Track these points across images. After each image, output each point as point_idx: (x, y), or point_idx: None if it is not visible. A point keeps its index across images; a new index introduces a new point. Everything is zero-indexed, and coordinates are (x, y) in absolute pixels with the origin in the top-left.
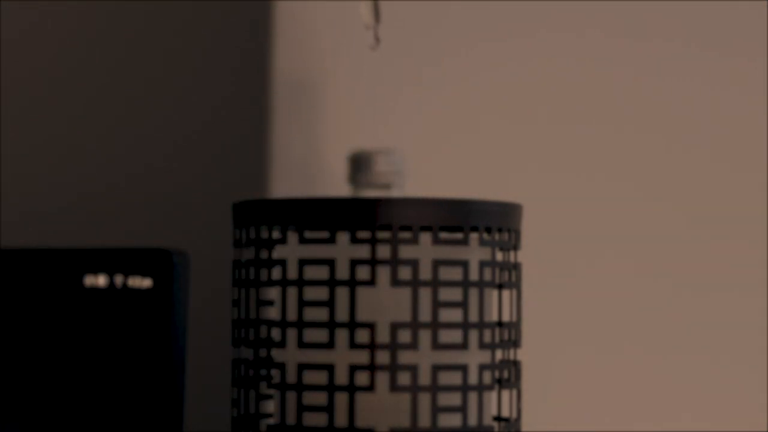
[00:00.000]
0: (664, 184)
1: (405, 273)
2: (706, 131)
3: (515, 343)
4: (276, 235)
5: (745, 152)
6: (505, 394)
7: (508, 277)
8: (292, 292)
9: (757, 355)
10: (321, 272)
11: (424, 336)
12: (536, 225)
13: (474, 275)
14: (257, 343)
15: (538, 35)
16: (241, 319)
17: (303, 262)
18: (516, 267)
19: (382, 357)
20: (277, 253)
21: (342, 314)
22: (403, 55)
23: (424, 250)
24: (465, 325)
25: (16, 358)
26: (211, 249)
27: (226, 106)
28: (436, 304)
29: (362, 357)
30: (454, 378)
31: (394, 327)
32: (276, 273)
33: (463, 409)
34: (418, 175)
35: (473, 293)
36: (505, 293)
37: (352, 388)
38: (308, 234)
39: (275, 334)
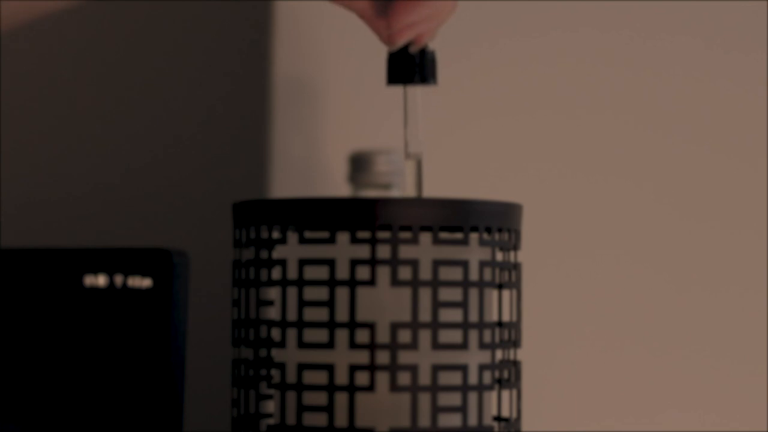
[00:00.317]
0: (665, 184)
1: (405, 273)
2: (706, 131)
3: (515, 343)
4: (276, 235)
5: (745, 152)
6: (505, 394)
7: (508, 277)
8: (292, 292)
9: (758, 355)
10: (321, 272)
11: (424, 336)
12: (536, 225)
13: (474, 275)
14: (257, 343)
15: (537, 35)
16: (241, 319)
17: (303, 262)
18: (516, 267)
19: (382, 357)
20: (277, 253)
21: (342, 314)
22: None
23: (424, 250)
24: (465, 325)
25: (16, 358)
26: (211, 249)
27: (226, 106)
28: (436, 304)
29: (362, 357)
30: (454, 378)
31: (394, 327)
32: (276, 273)
33: (463, 409)
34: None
35: (473, 293)
36: (505, 293)
37: (352, 388)
38: (308, 234)
39: (275, 334)
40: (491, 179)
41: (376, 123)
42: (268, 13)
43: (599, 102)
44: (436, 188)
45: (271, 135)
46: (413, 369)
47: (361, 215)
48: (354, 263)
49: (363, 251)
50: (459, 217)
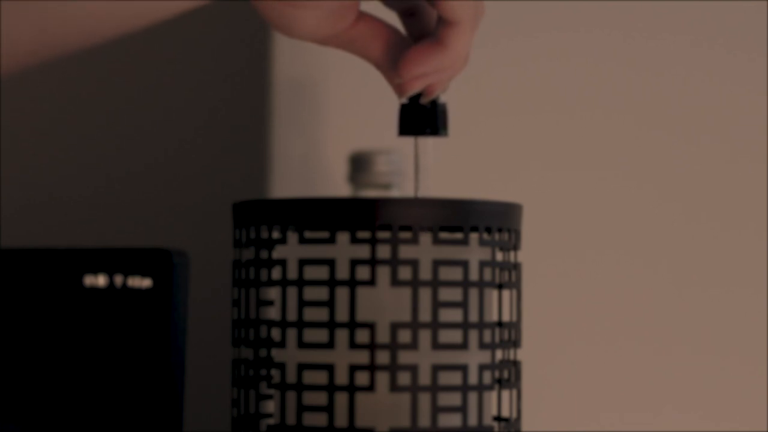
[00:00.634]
0: (665, 184)
1: (405, 273)
2: (705, 131)
3: (515, 343)
4: (276, 235)
5: (746, 152)
6: (505, 394)
7: (508, 277)
8: (292, 292)
9: (758, 355)
10: (321, 272)
11: (424, 336)
12: (536, 225)
13: (474, 275)
14: (257, 343)
15: (537, 35)
16: (241, 319)
17: (303, 262)
18: (516, 267)
19: (382, 357)
20: (277, 253)
21: (342, 314)
22: None
23: (424, 250)
24: (465, 325)
25: (16, 358)
26: (211, 249)
27: (227, 107)
28: (436, 304)
29: (362, 357)
30: (454, 378)
31: (394, 327)
32: (276, 273)
33: (463, 409)
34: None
35: (473, 293)
36: (505, 293)
37: (352, 388)
38: (308, 234)
39: (275, 334)
40: (491, 179)
41: (376, 123)
42: None
43: (599, 102)
44: (436, 188)
45: (271, 135)
46: (413, 369)
47: (361, 215)
48: (354, 263)
49: (363, 251)
50: (459, 217)
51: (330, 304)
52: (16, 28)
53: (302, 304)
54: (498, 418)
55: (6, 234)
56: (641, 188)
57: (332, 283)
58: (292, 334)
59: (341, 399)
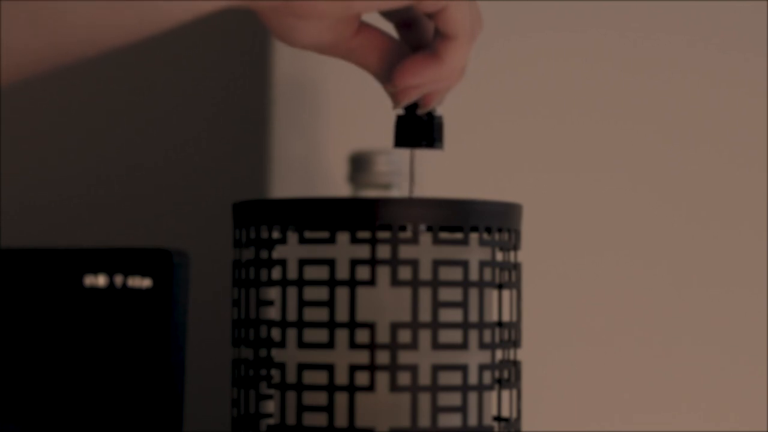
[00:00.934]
0: (665, 184)
1: (405, 273)
2: (706, 131)
3: (515, 343)
4: (276, 235)
5: (746, 153)
6: (505, 394)
7: (508, 277)
8: (292, 292)
9: (758, 355)
10: (321, 272)
11: (424, 336)
12: (536, 225)
13: (474, 275)
14: (257, 343)
15: (537, 35)
16: (241, 319)
17: (303, 262)
18: (516, 267)
19: (382, 357)
20: (277, 253)
21: (342, 314)
22: None
23: (424, 250)
24: (465, 325)
25: (16, 358)
26: (211, 249)
27: (227, 107)
28: (436, 304)
29: (362, 357)
30: (454, 378)
31: (394, 327)
32: (276, 273)
33: (463, 409)
34: (419, 175)
35: (473, 293)
36: (505, 293)
37: (352, 388)
38: (308, 234)
39: (275, 334)
40: (491, 179)
41: (376, 123)
42: None
43: (599, 102)
44: (436, 188)
45: (271, 135)
46: (413, 369)
47: (361, 215)
48: (354, 263)
49: (363, 251)
50: (459, 217)
51: (330, 304)
52: (19, 39)
53: (302, 304)
54: (498, 418)
55: (6, 234)
56: (641, 188)
57: (332, 283)
58: (292, 334)
59: (341, 399)
